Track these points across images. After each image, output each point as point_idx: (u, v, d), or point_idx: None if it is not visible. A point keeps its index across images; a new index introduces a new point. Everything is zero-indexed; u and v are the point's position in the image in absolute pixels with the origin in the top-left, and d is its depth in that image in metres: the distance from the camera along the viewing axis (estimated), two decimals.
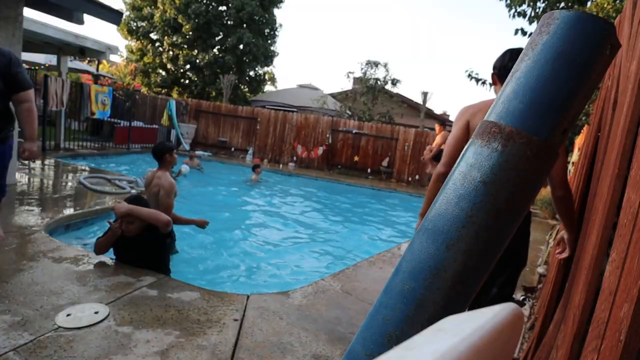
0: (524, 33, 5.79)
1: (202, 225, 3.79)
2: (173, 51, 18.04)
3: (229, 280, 4.04)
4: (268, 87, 21.93)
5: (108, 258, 3.16)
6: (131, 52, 18.88)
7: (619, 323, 0.75)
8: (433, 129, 13.76)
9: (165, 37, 17.78)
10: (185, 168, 8.15)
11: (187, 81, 19.10)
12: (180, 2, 16.90)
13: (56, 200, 4.98)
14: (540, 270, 4.10)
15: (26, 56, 11.18)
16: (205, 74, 17.86)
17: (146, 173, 6.73)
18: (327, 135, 12.43)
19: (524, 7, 5.78)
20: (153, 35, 18.45)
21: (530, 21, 5.89)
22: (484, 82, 6.77)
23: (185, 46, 18.03)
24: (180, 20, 17.17)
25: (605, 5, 3.77)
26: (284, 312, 2.66)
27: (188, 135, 12.98)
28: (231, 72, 17.09)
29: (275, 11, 19.13)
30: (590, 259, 1.20)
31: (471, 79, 6.80)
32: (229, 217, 6.26)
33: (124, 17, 16.60)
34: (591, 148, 1.98)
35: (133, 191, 5.80)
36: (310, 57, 78.74)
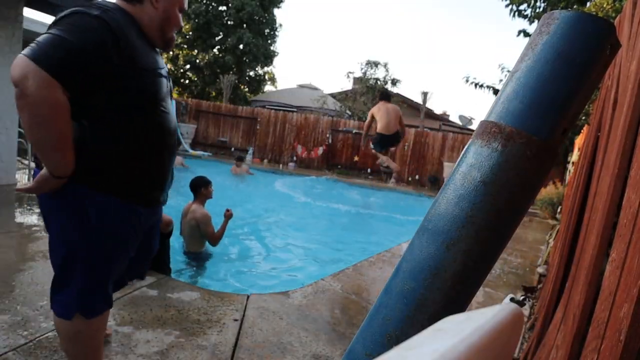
0: (526, 34, 5.82)
1: (230, 218, 4.16)
2: (173, 51, 18.05)
3: (229, 280, 4.04)
4: (268, 87, 21.95)
5: None
6: None
7: (619, 323, 0.75)
8: (433, 129, 13.77)
9: None
10: (179, 160, 8.97)
11: (187, 81, 19.11)
12: None
13: None
14: (540, 270, 4.10)
15: None
16: (205, 74, 17.88)
17: None
18: (327, 135, 12.43)
19: (524, 6, 5.80)
20: None
21: (531, 21, 5.91)
22: (481, 86, 6.81)
23: (185, 46, 18.05)
24: None
25: (604, 5, 3.78)
26: (284, 312, 2.66)
27: (188, 135, 12.99)
28: (231, 72, 17.10)
29: (275, 11, 19.16)
30: (590, 259, 1.20)
31: (470, 84, 6.86)
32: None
33: None
34: (591, 148, 1.98)
35: None
36: (310, 57, 78.64)
